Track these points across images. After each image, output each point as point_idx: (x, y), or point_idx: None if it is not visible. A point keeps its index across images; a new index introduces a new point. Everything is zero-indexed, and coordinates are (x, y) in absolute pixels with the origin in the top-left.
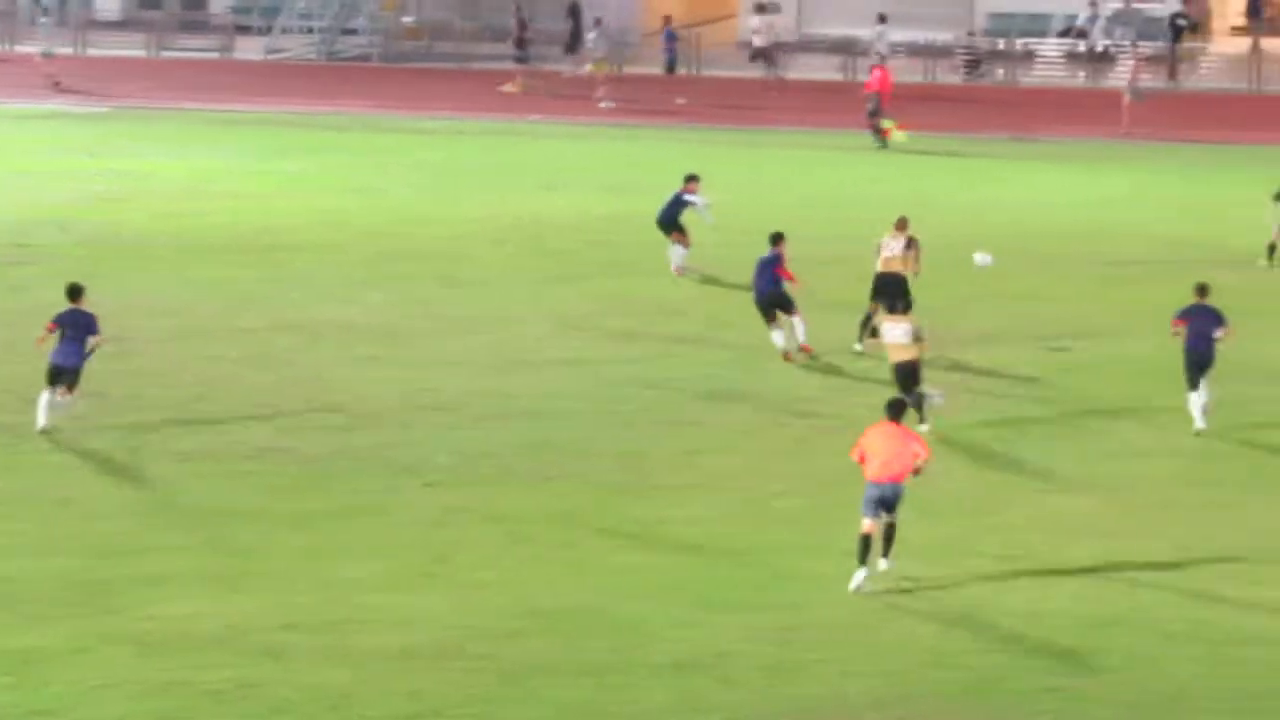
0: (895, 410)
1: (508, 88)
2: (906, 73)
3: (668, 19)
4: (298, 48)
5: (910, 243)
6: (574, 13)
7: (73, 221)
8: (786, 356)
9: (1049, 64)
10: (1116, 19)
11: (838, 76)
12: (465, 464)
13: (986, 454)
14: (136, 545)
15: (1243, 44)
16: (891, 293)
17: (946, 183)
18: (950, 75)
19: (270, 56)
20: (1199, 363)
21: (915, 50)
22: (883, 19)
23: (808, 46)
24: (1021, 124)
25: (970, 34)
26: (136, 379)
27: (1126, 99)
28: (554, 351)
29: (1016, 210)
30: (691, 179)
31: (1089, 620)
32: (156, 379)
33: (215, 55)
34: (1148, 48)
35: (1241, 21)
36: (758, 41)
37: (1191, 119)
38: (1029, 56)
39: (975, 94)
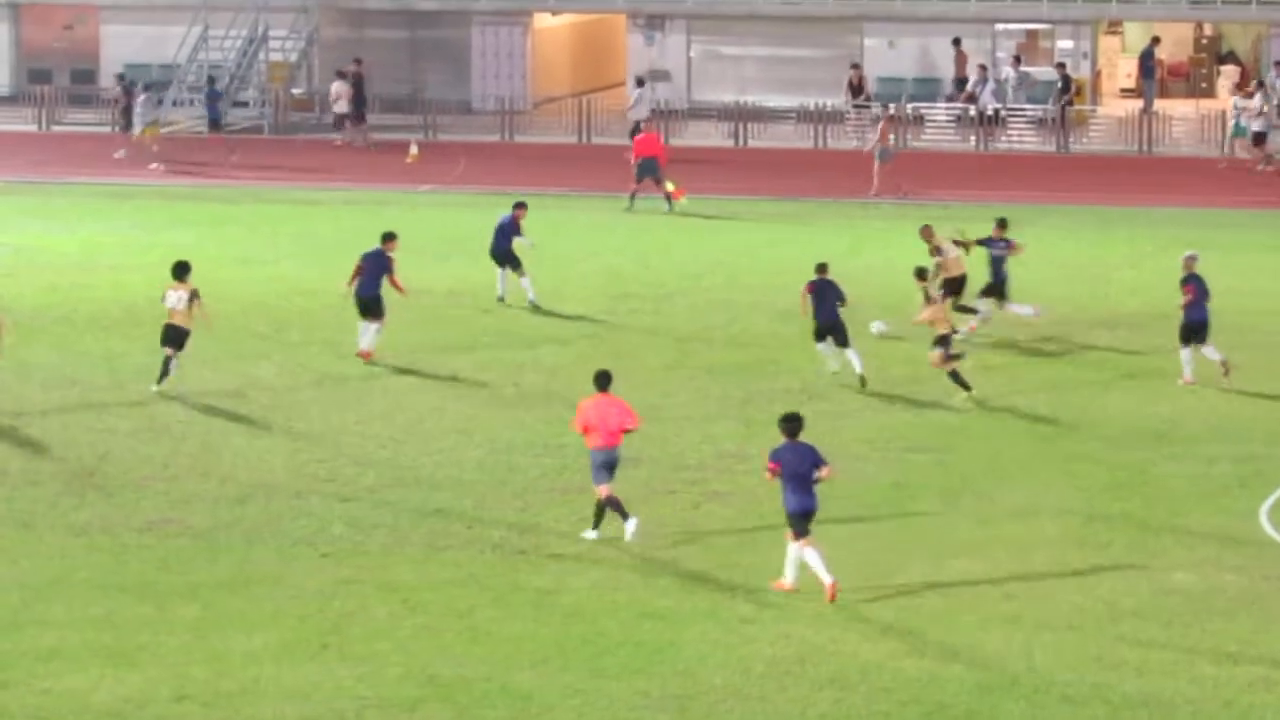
0: (603, 381)
1: (412, 154)
2: (797, 138)
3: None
4: (188, 120)
5: None
6: (357, 83)
7: None
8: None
9: (939, 128)
10: (1006, 83)
11: (729, 143)
12: (359, 534)
13: (881, 515)
14: (28, 619)
15: (1133, 105)
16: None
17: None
18: (840, 140)
19: (161, 130)
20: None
21: (805, 115)
22: (640, 82)
23: (697, 113)
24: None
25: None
26: (29, 452)
27: (875, 161)
28: (447, 420)
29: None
30: (519, 206)
31: (987, 685)
32: (49, 452)
33: (106, 129)
34: (1036, 110)
35: (1131, 84)
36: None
37: (1079, 181)
38: (919, 120)
39: (864, 159)
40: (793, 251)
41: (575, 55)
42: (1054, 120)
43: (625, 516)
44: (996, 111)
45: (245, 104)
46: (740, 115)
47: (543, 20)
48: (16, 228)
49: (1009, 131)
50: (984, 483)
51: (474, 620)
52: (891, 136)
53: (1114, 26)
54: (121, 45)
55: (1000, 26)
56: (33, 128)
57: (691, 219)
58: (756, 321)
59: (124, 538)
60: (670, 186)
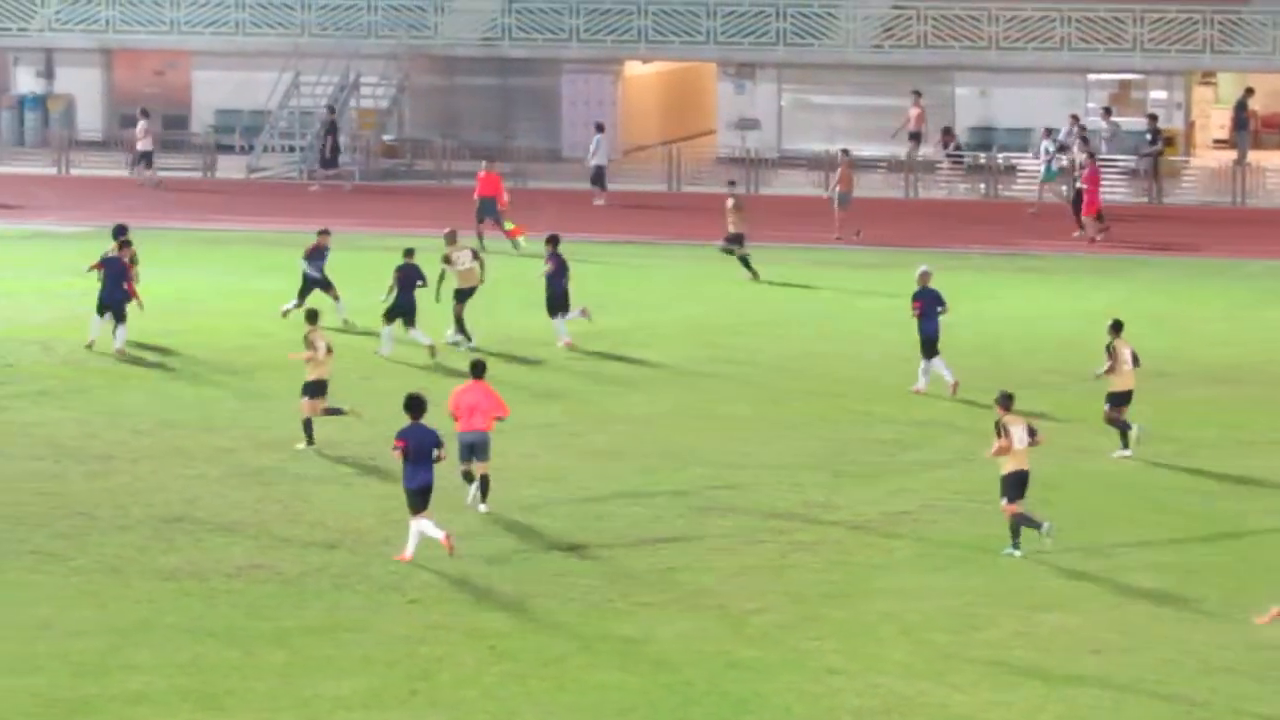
0: (478, 370)
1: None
2: (887, 187)
3: None
4: (279, 166)
5: None
6: (331, 129)
7: (56, 341)
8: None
9: (1030, 178)
10: (1099, 133)
11: (816, 191)
12: (447, 580)
13: (973, 566)
14: (116, 663)
15: (1226, 157)
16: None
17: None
18: (931, 190)
19: (252, 176)
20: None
21: (896, 165)
22: (600, 128)
23: (787, 162)
24: (1004, 237)
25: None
26: (120, 497)
27: (835, 207)
28: (538, 468)
29: (1001, 324)
30: (323, 233)
31: None
32: (139, 497)
33: (197, 174)
34: (1128, 161)
35: (1224, 135)
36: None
37: (1171, 233)
38: (1010, 170)
39: (954, 208)
40: (882, 302)
41: (665, 103)
42: (1145, 171)
43: (482, 499)
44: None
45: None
46: (830, 164)
47: (633, 68)
48: None
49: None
50: (1077, 534)
51: (561, 668)
52: (845, 182)
53: (1207, 77)
54: (212, 91)
55: (1093, 77)
56: (124, 173)
57: (781, 267)
58: (846, 372)
59: (213, 583)
60: (509, 226)
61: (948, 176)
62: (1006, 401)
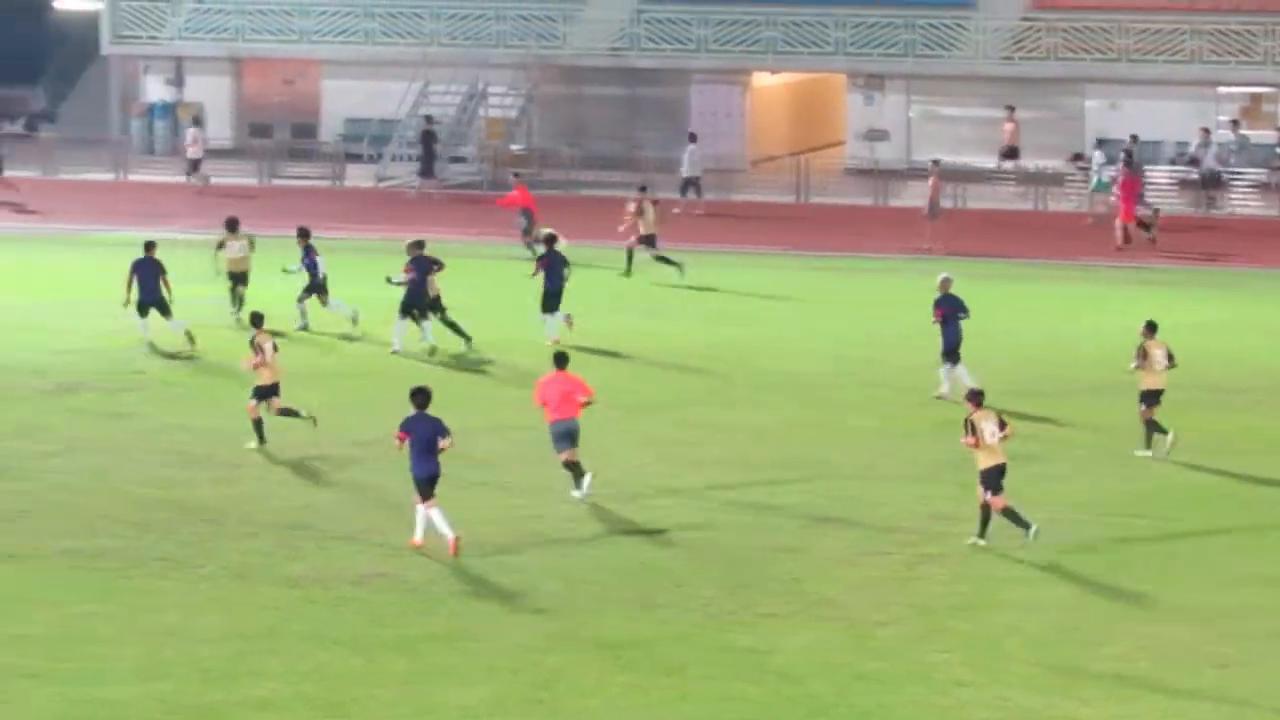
0: (561, 361)
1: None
2: (1016, 200)
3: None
4: (406, 175)
5: None
6: (428, 138)
7: (185, 348)
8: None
9: (1161, 191)
10: (1228, 146)
11: (947, 204)
12: (570, 589)
13: (1095, 580)
14: (243, 669)
15: None
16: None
17: (1046, 308)
18: (1060, 203)
19: (380, 184)
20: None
21: (1025, 178)
22: (693, 138)
23: (916, 173)
24: (1129, 250)
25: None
26: (246, 504)
27: (925, 217)
28: (655, 478)
29: (1120, 335)
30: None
31: None
32: (265, 504)
33: (325, 183)
34: (1259, 174)
35: None
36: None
37: None
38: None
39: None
40: (1004, 314)
41: (793, 114)
42: (1276, 185)
43: (577, 483)
44: (1218, 175)
45: (463, 159)
46: (959, 176)
47: (761, 79)
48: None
49: (1231, 196)
50: (1200, 548)
51: (684, 678)
52: (935, 192)
53: None
54: (341, 100)
55: (1223, 90)
56: (253, 181)
57: (909, 279)
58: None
59: (338, 590)
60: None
61: (1077, 191)
62: (976, 398)
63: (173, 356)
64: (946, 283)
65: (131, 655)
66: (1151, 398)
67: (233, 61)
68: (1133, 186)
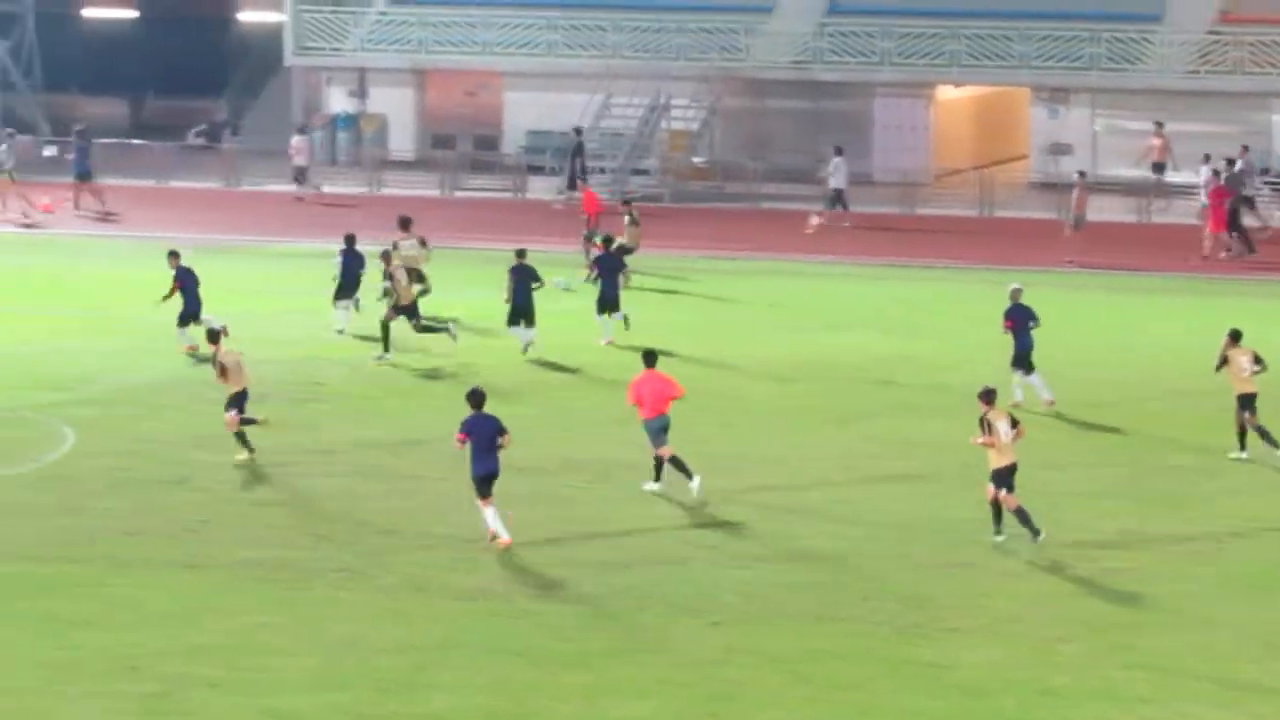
0: (650, 359)
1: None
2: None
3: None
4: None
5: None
6: (578, 151)
7: (362, 360)
8: None
9: None
10: None
11: (1130, 218)
12: (746, 602)
13: (1274, 594)
14: (421, 681)
15: None
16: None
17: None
18: (1245, 217)
19: (561, 197)
20: None
21: (1168, 191)
22: (839, 151)
23: (1102, 187)
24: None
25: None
26: (424, 516)
27: (1067, 229)
28: (835, 491)
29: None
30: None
31: None
32: (443, 516)
33: (507, 195)
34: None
35: None
36: None
37: None
38: None
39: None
40: (1183, 329)
41: (977, 128)
42: None
43: (689, 475)
44: None
45: (645, 172)
46: (1145, 190)
47: (945, 92)
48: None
49: None
50: None
51: (865, 693)
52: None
53: None
54: (523, 112)
55: None
56: (436, 193)
57: (1091, 293)
58: (1149, 397)
59: (516, 603)
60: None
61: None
62: (989, 397)
63: (351, 367)
64: (1016, 293)
65: (309, 666)
66: (1244, 402)
67: (415, 73)
68: (1223, 197)
